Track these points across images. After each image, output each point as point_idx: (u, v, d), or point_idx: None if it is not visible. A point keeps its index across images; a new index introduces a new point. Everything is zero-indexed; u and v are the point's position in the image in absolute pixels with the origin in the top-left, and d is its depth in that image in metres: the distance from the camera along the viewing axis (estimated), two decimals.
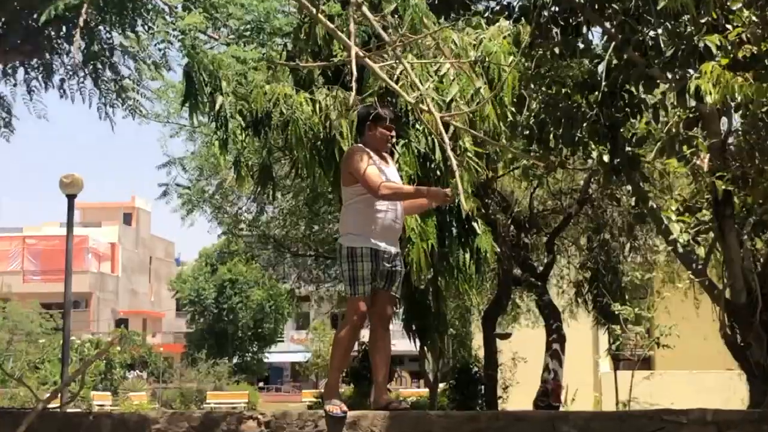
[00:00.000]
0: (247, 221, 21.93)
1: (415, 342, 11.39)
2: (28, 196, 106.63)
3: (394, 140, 7.41)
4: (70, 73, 7.61)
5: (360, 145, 7.25)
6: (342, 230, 7.20)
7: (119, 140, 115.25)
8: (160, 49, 7.43)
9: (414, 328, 11.14)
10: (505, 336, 21.40)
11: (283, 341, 59.11)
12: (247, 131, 9.27)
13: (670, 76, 9.31)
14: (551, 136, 10.99)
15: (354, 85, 6.60)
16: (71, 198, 18.31)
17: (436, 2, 10.11)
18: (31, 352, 37.11)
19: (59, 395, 9.06)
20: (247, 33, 7.69)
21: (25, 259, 54.27)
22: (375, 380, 7.24)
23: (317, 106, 9.10)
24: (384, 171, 7.07)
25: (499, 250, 14.24)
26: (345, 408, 6.64)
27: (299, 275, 24.78)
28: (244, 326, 55.77)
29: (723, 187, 9.86)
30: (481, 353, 19.77)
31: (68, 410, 9.96)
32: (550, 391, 17.53)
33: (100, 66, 7.47)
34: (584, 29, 10.42)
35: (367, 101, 8.47)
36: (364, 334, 9.04)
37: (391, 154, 7.48)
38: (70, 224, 18.36)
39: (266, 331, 56.85)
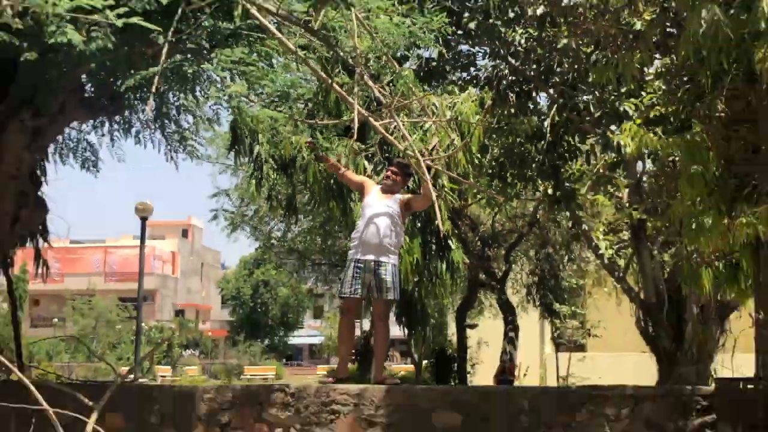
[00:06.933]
0: (277, 237, 21.90)
1: (404, 330, 11.54)
2: (107, 215, 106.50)
3: (390, 178, 7.16)
4: (144, 126, 7.66)
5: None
6: None
7: (180, 175, 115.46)
8: (212, 109, 7.53)
9: (404, 320, 11.28)
10: (473, 326, 21.33)
11: (303, 328, 58.82)
12: (277, 171, 9.30)
13: (598, 131, 9.37)
14: (508, 174, 11.07)
15: (355, 136, 6.61)
16: (144, 219, 18.30)
17: (422, 74, 10.14)
18: (110, 336, 37.00)
19: (133, 371, 9.04)
20: (277, 97, 7.74)
21: (107, 264, 54.00)
22: (375, 360, 7.21)
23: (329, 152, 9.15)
24: (369, 197, 7.02)
25: (468, 261, 14.29)
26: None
27: (316, 278, 24.76)
28: (273, 316, 55.64)
29: (638, 216, 9.92)
30: (454, 339, 19.71)
31: (140, 381, 9.89)
32: (507, 369, 17.56)
33: (167, 121, 7.52)
34: (534, 94, 10.46)
35: (370, 150, 8.53)
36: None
37: (391, 191, 7.11)
38: (142, 239, 18.43)
39: (290, 320, 56.67)
